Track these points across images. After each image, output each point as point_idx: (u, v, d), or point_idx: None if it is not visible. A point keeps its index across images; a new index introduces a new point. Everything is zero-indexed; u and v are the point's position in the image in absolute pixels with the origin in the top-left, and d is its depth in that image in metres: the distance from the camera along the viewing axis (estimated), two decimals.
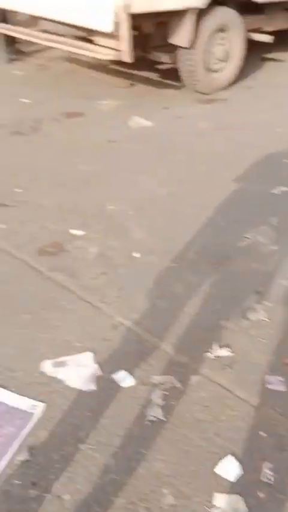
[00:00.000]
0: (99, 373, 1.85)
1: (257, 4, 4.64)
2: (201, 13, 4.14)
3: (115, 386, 1.80)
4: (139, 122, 4.06)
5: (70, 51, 4.52)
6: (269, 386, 1.78)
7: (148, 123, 4.06)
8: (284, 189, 3.22)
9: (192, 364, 1.84)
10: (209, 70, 4.55)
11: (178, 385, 1.78)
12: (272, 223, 2.81)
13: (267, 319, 2.11)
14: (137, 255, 2.53)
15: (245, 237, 2.67)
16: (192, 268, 2.40)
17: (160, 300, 2.21)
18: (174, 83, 4.75)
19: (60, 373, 1.84)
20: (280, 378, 1.82)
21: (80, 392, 1.77)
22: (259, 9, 4.79)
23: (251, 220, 2.82)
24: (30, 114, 4.24)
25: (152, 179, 3.23)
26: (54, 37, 4.43)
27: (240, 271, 2.40)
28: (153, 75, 4.59)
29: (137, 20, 3.74)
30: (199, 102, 4.61)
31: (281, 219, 2.86)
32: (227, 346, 1.93)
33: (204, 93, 4.64)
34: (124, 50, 3.81)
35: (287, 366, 1.89)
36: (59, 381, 1.80)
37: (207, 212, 2.89)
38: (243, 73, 5.01)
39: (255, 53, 5.29)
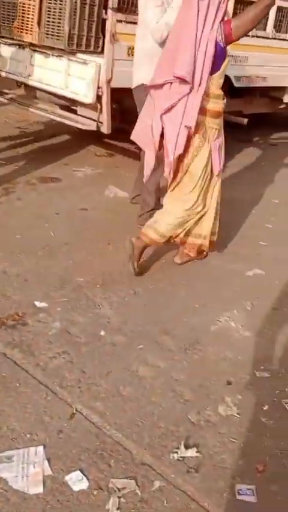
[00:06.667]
0: (49, 472, 1.76)
1: (235, 88, 5.16)
2: None
3: (66, 490, 1.71)
4: (115, 191, 4.28)
5: (51, 118, 4.87)
6: (239, 497, 1.76)
7: (124, 194, 4.28)
8: (258, 271, 3.34)
9: (155, 465, 1.86)
10: None
11: (138, 491, 1.74)
12: (246, 307, 2.91)
13: (237, 415, 2.12)
14: (102, 333, 2.56)
15: (218, 321, 2.75)
16: (161, 352, 2.46)
17: (125, 386, 2.22)
18: None
19: (2, 471, 1.74)
20: (250, 487, 1.79)
21: (24, 496, 1.66)
22: (237, 93, 5.44)
23: (225, 303, 2.93)
24: (4, 176, 4.42)
25: (123, 252, 3.28)
26: (36, 103, 4.92)
27: (211, 357, 2.48)
28: (132, 147, 4.45)
29: (118, 94, 4.07)
30: None
31: (255, 304, 2.95)
32: (195, 445, 1.96)
33: None
34: (103, 121, 4.17)
35: (260, 473, 1.86)
36: (1, 480, 1.71)
37: (180, 290, 3.02)
38: None
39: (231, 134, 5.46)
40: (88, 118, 4.42)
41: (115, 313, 2.74)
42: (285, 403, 2.22)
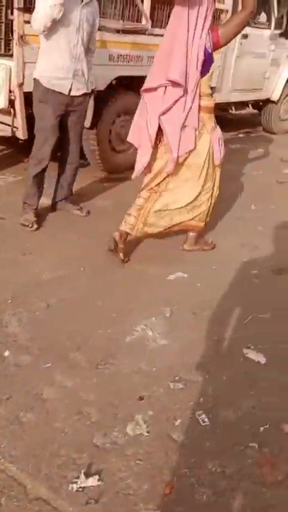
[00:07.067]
0: None
1: None
2: (102, 95, 4.44)
3: None
4: None
5: None
6: None
7: (46, 201, 4.03)
8: (181, 274, 3.23)
9: (52, 499, 1.68)
10: (114, 151, 4.90)
11: None
12: (165, 314, 2.78)
13: (146, 434, 1.97)
14: (6, 353, 2.36)
15: (135, 330, 2.61)
16: (70, 369, 2.29)
17: (26, 412, 2.03)
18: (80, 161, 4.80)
19: None
20: None
21: None
22: None
23: (144, 310, 2.79)
24: None
25: (40, 261, 3.20)
26: None
27: (123, 371, 2.32)
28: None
29: None
30: (103, 181, 4.80)
31: (175, 310, 2.83)
32: (97, 472, 1.79)
33: (109, 173, 4.92)
34: (18, 127, 3.99)
35: (166, 496, 1.72)
36: None
37: (97, 299, 2.86)
38: None
39: None
40: (3, 123, 4.16)
41: (23, 330, 2.53)
42: (199, 416, 2.09)
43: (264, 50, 6.77)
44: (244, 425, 2.08)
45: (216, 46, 3.12)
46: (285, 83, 7.33)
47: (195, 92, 3.10)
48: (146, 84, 3.20)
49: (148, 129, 3.17)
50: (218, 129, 3.36)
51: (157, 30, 4.84)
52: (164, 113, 3.12)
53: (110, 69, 4.52)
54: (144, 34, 4.73)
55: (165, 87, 3.09)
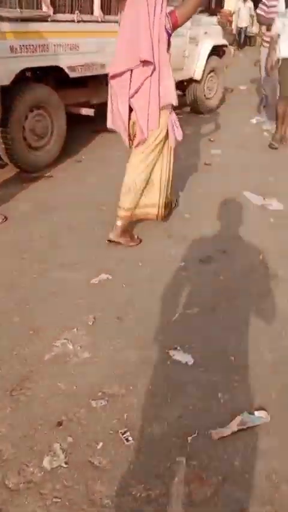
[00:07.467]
0: None
1: (79, 79, 5.00)
2: (9, 90, 4.23)
3: None
4: None
5: None
6: None
7: None
8: (105, 276, 3.08)
9: None
10: (30, 147, 4.71)
11: None
12: (88, 323, 2.63)
13: (64, 465, 1.82)
14: None
15: (54, 346, 2.44)
16: None
17: None
18: None
19: None
20: None
21: None
22: (82, 82, 5.18)
23: (65, 322, 2.63)
24: None
25: None
26: None
27: (40, 395, 2.14)
28: None
29: None
30: (21, 182, 4.61)
31: (98, 316, 2.68)
32: None
33: (28, 172, 4.73)
34: None
35: None
36: None
37: (12, 316, 2.67)
38: (72, 147, 5.23)
39: (86, 126, 5.77)
40: None
41: None
42: (122, 435, 1.95)
43: (180, 28, 6.62)
44: (171, 438, 1.96)
45: (175, 26, 3.23)
46: (206, 61, 7.25)
47: (165, 71, 3.18)
48: (113, 70, 3.25)
49: (121, 113, 3.28)
50: (174, 113, 3.43)
51: (60, 16, 4.60)
52: (132, 96, 3.22)
53: (14, 61, 4.20)
54: (47, 21, 4.45)
55: (131, 70, 3.17)
